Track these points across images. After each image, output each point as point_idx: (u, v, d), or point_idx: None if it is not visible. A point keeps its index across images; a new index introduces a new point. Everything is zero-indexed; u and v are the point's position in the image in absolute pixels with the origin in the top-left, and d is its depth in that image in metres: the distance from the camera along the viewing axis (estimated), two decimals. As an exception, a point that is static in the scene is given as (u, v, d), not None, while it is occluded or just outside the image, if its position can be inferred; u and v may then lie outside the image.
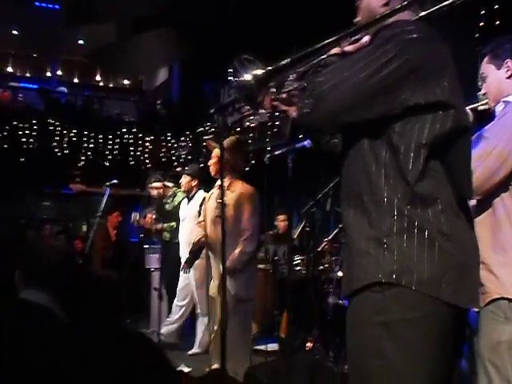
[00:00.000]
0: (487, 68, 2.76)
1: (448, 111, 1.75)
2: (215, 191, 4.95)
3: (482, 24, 5.73)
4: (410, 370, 1.70)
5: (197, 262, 5.34)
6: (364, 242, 1.77)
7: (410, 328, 1.69)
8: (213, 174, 5.00)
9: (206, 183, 5.97)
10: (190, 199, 6.23)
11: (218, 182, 4.73)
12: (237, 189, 4.82)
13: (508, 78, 2.73)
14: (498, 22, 5.64)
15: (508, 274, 2.43)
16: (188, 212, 6.17)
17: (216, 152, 4.91)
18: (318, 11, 7.83)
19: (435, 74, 1.74)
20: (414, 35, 1.72)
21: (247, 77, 1.82)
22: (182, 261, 5.58)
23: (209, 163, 5.02)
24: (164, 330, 6.16)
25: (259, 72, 1.81)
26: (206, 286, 5.59)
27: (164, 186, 6.69)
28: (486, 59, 2.78)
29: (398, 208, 1.73)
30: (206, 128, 11.47)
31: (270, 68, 1.83)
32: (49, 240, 2.37)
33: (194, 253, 5.19)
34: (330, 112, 1.77)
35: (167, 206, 6.59)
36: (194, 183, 6.19)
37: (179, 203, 6.41)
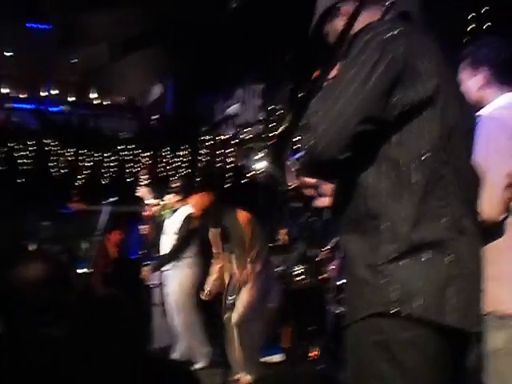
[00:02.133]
0: (463, 73, 2.61)
1: (444, 109, 1.69)
2: None
3: (470, 28, 5.68)
4: None
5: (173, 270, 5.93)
6: (363, 269, 1.68)
7: (409, 349, 1.62)
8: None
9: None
10: (172, 213, 6.34)
11: None
12: None
13: (482, 86, 2.60)
14: (487, 25, 5.59)
15: (496, 287, 2.30)
16: (169, 226, 6.26)
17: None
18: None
19: (422, 68, 1.66)
20: (390, 33, 1.65)
21: (261, 165, 1.80)
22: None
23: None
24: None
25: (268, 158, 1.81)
26: (186, 293, 6.00)
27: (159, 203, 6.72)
28: (462, 63, 2.64)
29: (398, 233, 1.64)
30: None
31: (272, 145, 1.82)
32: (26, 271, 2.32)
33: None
34: (332, 135, 1.63)
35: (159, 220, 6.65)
36: (177, 198, 6.29)
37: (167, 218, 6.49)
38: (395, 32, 1.66)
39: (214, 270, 5.60)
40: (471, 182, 1.81)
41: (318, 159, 1.66)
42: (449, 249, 1.64)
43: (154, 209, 6.57)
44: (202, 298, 5.62)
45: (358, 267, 1.70)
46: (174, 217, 6.29)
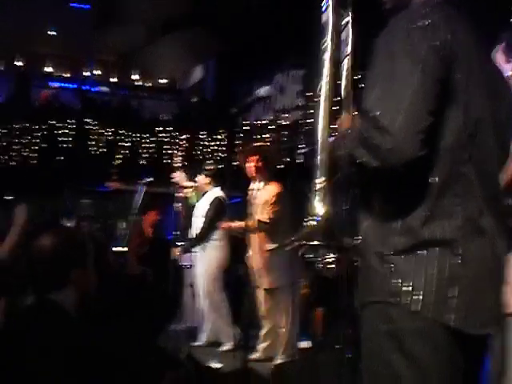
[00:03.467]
0: (498, 57, 2.52)
1: (468, 104, 1.64)
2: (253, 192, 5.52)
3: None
4: None
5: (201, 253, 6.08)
6: (373, 257, 1.69)
7: (417, 339, 1.62)
8: (250, 175, 5.54)
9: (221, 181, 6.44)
10: (202, 196, 6.40)
11: (255, 185, 5.52)
12: (267, 191, 5.43)
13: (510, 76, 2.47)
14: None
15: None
16: (198, 209, 6.32)
17: (254, 156, 5.49)
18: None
19: (456, 60, 1.63)
20: (431, 19, 1.61)
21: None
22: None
23: (247, 166, 5.52)
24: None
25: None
26: (213, 275, 6.07)
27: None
28: (500, 47, 2.57)
29: (408, 227, 1.63)
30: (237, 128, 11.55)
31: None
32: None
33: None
34: (411, 133, 1.55)
35: (191, 203, 6.70)
36: (207, 181, 6.32)
37: (197, 200, 6.53)
38: (433, 19, 1.61)
39: None
40: (496, 180, 1.75)
41: (397, 161, 1.57)
42: (458, 248, 1.61)
43: (187, 191, 6.61)
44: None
45: (369, 254, 1.71)
46: (204, 199, 6.34)
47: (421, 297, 1.60)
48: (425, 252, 1.61)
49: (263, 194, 5.39)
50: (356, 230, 1.84)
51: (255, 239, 5.40)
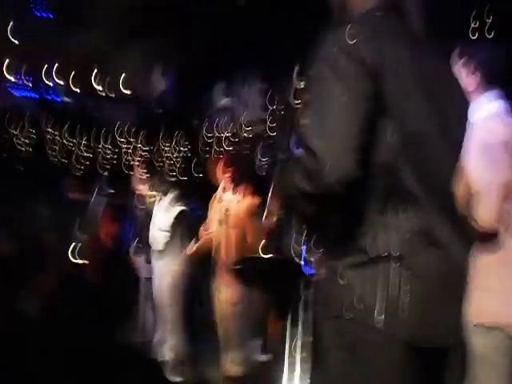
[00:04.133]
0: (458, 72, 2.46)
1: (402, 116, 1.65)
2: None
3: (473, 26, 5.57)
4: None
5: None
6: (328, 271, 1.74)
7: (373, 352, 1.63)
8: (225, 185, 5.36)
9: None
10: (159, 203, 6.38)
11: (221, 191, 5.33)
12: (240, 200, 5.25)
13: (474, 89, 2.55)
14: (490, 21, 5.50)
15: (484, 298, 2.33)
16: (157, 217, 6.30)
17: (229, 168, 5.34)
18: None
19: (385, 72, 1.63)
20: (356, 38, 1.61)
21: None
22: None
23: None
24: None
25: None
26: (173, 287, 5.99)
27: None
28: (460, 61, 2.59)
29: (357, 243, 1.66)
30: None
31: None
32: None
33: None
34: (341, 150, 1.57)
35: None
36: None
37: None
38: (360, 37, 1.62)
39: None
40: (448, 190, 1.75)
41: (332, 183, 1.57)
42: (406, 262, 1.62)
43: (149, 200, 6.56)
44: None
45: (326, 269, 1.74)
46: (160, 207, 6.30)
47: (373, 311, 1.61)
48: (375, 267, 1.63)
49: (239, 206, 5.25)
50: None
51: (220, 252, 5.30)
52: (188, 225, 6.17)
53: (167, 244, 6.10)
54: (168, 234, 6.10)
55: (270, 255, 1.88)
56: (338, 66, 1.60)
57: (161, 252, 6.12)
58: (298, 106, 1.88)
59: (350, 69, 1.59)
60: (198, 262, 6.10)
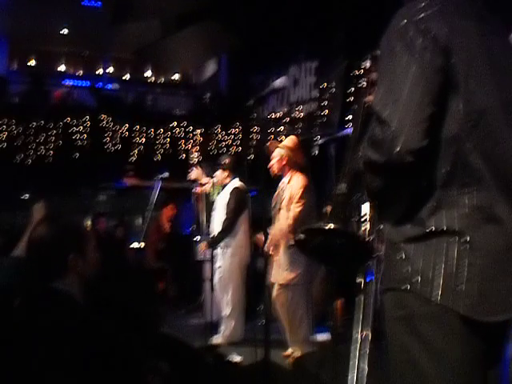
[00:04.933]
0: None
1: (470, 93, 1.66)
2: (282, 186, 5.46)
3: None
4: (433, 368, 1.65)
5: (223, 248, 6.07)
6: (388, 244, 1.76)
7: (430, 325, 1.64)
8: (276, 171, 5.46)
9: (240, 173, 6.38)
10: (222, 190, 6.42)
11: (284, 179, 5.45)
12: (293, 182, 5.32)
13: None
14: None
15: None
16: (218, 202, 6.32)
17: (278, 151, 5.44)
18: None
19: (454, 48, 1.65)
20: (425, 13, 1.67)
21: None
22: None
23: (270, 163, 5.44)
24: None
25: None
26: (234, 271, 6.10)
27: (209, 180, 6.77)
28: None
29: (417, 216, 1.67)
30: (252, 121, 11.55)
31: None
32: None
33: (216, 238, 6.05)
34: (411, 122, 1.59)
35: (212, 198, 6.69)
36: (225, 174, 6.33)
37: (218, 194, 6.53)
38: (430, 11, 1.66)
39: None
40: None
41: (401, 152, 1.58)
42: (465, 237, 1.62)
43: (206, 187, 6.61)
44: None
45: (386, 243, 1.78)
46: (223, 192, 6.34)
47: (430, 284, 1.63)
48: (433, 241, 1.64)
49: (289, 188, 5.35)
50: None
51: (277, 232, 5.36)
52: (243, 200, 6.26)
53: (228, 221, 6.15)
54: (225, 210, 6.16)
55: (334, 226, 1.89)
56: (408, 39, 1.64)
57: (224, 230, 6.16)
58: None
59: (419, 41, 1.62)
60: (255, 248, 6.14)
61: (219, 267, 6.15)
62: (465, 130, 1.65)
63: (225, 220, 6.15)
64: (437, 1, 1.71)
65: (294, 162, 5.43)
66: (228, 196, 6.22)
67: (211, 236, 6.25)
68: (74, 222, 2.46)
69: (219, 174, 6.38)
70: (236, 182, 6.31)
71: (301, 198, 5.19)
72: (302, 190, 5.22)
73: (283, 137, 6.05)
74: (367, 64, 2.07)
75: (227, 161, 6.42)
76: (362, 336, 2.62)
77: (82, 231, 2.42)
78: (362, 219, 1.98)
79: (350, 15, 8.23)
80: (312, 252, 2.19)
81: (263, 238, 4.96)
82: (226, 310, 6.16)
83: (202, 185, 6.65)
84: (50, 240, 2.28)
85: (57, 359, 2.04)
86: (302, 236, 2.09)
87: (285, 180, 5.43)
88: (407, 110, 1.59)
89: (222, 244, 6.17)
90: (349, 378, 2.67)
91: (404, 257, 1.67)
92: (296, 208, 5.17)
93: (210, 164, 6.85)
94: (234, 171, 6.41)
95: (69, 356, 2.03)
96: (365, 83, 2.06)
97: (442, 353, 1.64)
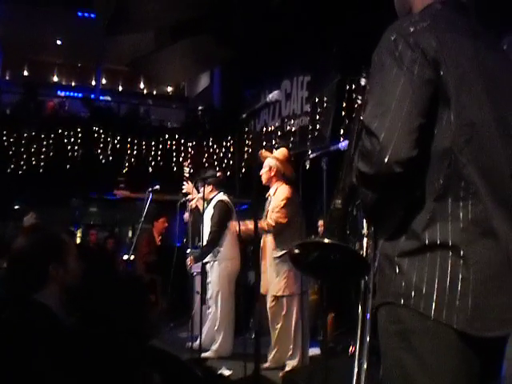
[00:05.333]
0: None
1: (463, 108, 1.65)
2: (268, 197, 5.55)
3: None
4: (427, 383, 1.63)
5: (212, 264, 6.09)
6: (382, 258, 1.75)
7: (425, 339, 1.63)
8: (264, 182, 5.53)
9: (231, 186, 6.52)
10: (208, 204, 6.40)
11: (270, 190, 5.52)
12: (278, 194, 5.40)
13: None
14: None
15: None
16: (205, 216, 6.28)
17: (268, 162, 5.52)
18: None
19: (444, 63, 1.66)
20: (416, 27, 1.68)
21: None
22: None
23: (260, 172, 5.50)
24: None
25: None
26: (225, 287, 6.11)
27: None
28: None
29: (412, 230, 1.66)
30: (245, 135, 11.58)
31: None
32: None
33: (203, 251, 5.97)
34: (400, 133, 1.60)
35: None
36: (209, 189, 6.37)
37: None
38: (420, 26, 1.68)
39: None
40: (508, 184, 1.69)
41: (389, 163, 1.59)
42: (460, 251, 1.61)
43: (194, 201, 6.59)
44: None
45: (380, 255, 1.77)
46: (209, 207, 6.36)
47: (424, 298, 1.62)
48: (427, 255, 1.63)
49: (274, 199, 5.39)
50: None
51: (267, 245, 5.39)
52: (228, 212, 6.27)
53: (213, 234, 6.14)
54: (214, 231, 6.16)
55: (329, 241, 1.90)
56: (397, 53, 1.66)
57: (210, 243, 6.15)
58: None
59: (408, 54, 1.64)
60: (245, 259, 6.14)
61: (209, 282, 6.16)
62: (458, 144, 1.64)
63: (209, 234, 6.15)
64: (428, 16, 1.74)
65: (282, 174, 5.50)
66: (212, 210, 6.23)
67: (198, 250, 6.25)
68: (55, 232, 2.43)
69: (204, 189, 6.36)
70: (220, 196, 6.34)
71: (282, 208, 5.26)
72: (284, 201, 5.29)
73: (275, 150, 6.06)
74: (362, 81, 2.09)
75: (210, 175, 6.39)
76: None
77: (62, 241, 2.38)
78: (360, 234, 1.99)
79: (344, 30, 8.27)
80: (307, 267, 2.18)
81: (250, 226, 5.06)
82: (215, 324, 6.14)
83: (190, 200, 6.65)
84: (30, 250, 2.27)
85: (37, 374, 2.01)
86: (296, 251, 2.08)
87: (271, 191, 5.48)
88: (395, 121, 1.60)
89: (209, 257, 6.17)
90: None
91: (398, 271, 1.67)
92: (275, 214, 5.26)
93: (199, 179, 6.84)
94: (218, 185, 6.45)
95: (49, 370, 2.00)
96: (359, 101, 2.08)
97: (436, 368, 1.63)
